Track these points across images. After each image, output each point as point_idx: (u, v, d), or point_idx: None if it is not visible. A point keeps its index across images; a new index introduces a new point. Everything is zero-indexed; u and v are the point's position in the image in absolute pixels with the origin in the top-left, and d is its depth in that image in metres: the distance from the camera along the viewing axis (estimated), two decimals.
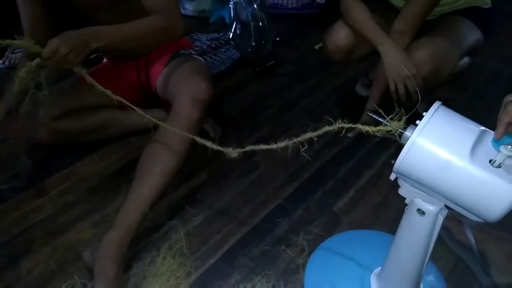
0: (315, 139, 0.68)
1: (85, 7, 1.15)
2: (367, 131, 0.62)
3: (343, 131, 0.66)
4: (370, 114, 0.64)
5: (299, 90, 1.72)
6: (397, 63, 1.19)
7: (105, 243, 0.94)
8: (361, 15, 1.27)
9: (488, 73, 1.82)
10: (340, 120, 0.66)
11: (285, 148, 0.71)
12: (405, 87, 1.20)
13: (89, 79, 0.92)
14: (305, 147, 0.70)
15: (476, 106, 1.60)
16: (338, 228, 1.12)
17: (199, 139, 0.88)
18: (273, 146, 0.71)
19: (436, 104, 0.62)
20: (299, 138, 0.69)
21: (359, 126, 0.62)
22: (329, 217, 1.16)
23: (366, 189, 1.26)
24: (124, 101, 0.91)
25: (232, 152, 0.78)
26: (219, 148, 0.81)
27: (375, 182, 1.28)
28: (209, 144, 0.83)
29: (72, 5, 1.14)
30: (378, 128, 0.62)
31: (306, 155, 0.69)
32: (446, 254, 1.04)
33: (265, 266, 1.02)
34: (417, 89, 1.20)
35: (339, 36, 1.34)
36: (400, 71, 1.19)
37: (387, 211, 1.17)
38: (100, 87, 0.91)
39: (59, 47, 0.88)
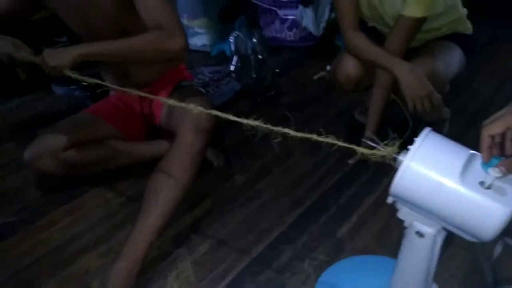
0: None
1: (83, 33, 1.21)
2: (362, 154, 0.65)
3: (334, 147, 0.67)
4: (366, 141, 0.67)
5: (298, 119, 1.76)
6: (415, 84, 1.19)
7: (114, 273, 0.96)
8: (365, 44, 1.29)
9: (482, 99, 1.87)
10: (334, 137, 0.68)
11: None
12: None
13: (75, 76, 1.03)
14: (278, 139, 0.70)
15: (472, 131, 1.64)
16: (342, 254, 1.13)
17: None
18: (244, 120, 0.72)
19: (426, 130, 0.66)
20: (276, 128, 0.70)
21: (354, 147, 0.65)
22: (333, 243, 1.17)
23: (368, 214, 1.27)
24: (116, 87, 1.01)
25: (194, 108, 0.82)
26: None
27: (377, 207, 1.29)
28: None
29: (75, 30, 1.23)
30: (373, 151, 0.65)
31: (276, 146, 0.70)
32: (450, 278, 1.05)
33: None
34: (436, 103, 1.21)
35: (349, 67, 1.36)
36: (419, 92, 1.19)
37: (390, 235, 1.18)
38: (90, 80, 1.00)
39: (44, 55, 1.05)
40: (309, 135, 0.67)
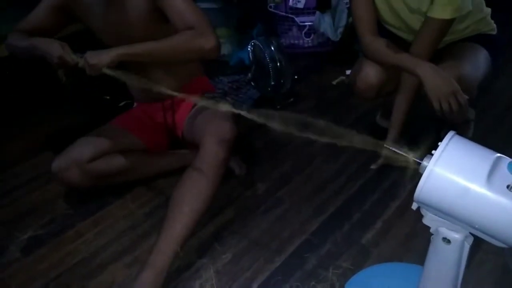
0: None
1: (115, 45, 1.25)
2: (386, 158, 0.64)
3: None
4: (388, 147, 0.66)
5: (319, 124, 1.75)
6: (439, 82, 1.17)
7: (140, 284, 0.97)
8: (385, 47, 1.27)
9: (508, 98, 1.82)
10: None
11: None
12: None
13: (112, 74, 1.08)
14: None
15: (497, 131, 1.60)
16: (367, 261, 1.12)
17: None
18: (271, 123, 0.73)
19: (450, 133, 0.64)
20: (302, 133, 0.71)
21: (378, 151, 0.64)
22: (357, 250, 1.15)
23: (394, 220, 1.25)
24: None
25: (223, 106, 0.85)
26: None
27: (402, 213, 1.27)
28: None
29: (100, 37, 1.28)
30: (396, 157, 0.64)
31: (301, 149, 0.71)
32: (480, 284, 1.01)
33: None
34: (463, 102, 1.18)
35: (370, 74, 1.33)
36: (444, 89, 1.17)
37: (416, 242, 1.15)
38: (126, 78, 1.07)
39: (86, 56, 1.10)
40: (323, 139, 0.67)
